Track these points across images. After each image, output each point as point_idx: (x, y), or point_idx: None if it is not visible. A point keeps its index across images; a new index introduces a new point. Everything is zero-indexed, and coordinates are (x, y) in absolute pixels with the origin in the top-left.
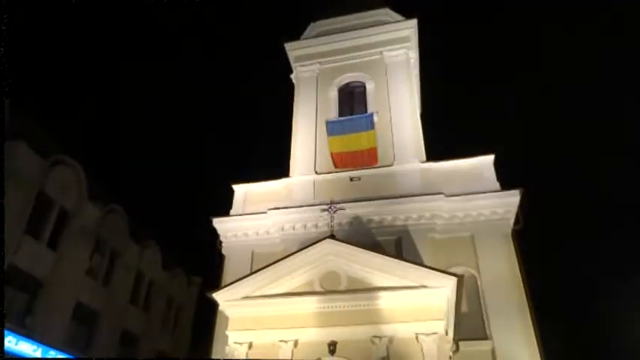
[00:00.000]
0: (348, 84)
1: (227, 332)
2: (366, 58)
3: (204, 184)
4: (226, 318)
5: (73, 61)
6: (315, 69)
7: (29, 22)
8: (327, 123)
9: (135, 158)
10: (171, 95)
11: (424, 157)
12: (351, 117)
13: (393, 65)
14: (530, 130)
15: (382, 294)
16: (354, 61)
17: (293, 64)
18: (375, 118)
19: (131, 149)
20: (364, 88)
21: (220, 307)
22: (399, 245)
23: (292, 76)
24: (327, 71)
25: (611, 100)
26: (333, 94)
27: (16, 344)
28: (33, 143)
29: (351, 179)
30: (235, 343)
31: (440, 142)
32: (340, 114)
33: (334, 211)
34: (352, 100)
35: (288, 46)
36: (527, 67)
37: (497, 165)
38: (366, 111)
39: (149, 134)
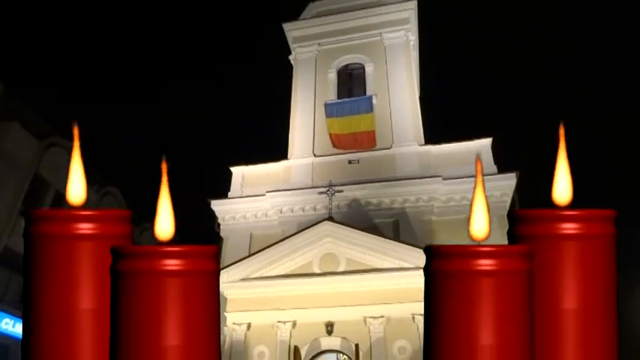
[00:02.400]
0: (347, 66)
1: (225, 313)
2: (365, 40)
3: (202, 166)
4: (224, 299)
5: (68, 42)
6: (313, 50)
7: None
8: (326, 105)
9: (131, 140)
10: (169, 76)
11: (422, 140)
12: (350, 99)
13: (392, 47)
14: (529, 112)
15: (379, 275)
16: (353, 42)
17: (291, 45)
18: (374, 101)
19: (127, 130)
20: (363, 70)
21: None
22: (396, 228)
23: (291, 57)
24: (326, 52)
25: (611, 77)
26: (332, 76)
27: (14, 326)
28: (27, 124)
29: (350, 162)
30: (234, 324)
31: (439, 125)
32: (339, 96)
33: (332, 194)
34: (351, 82)
35: (286, 26)
36: (528, 47)
37: (495, 148)
38: (365, 93)
39: (146, 115)
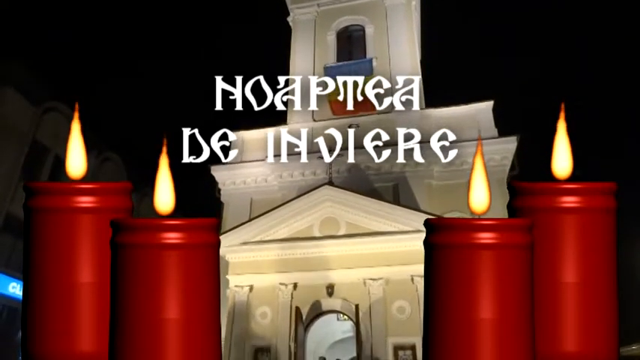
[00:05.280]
0: (346, 28)
1: (228, 276)
2: (366, 0)
3: (201, 132)
4: (226, 263)
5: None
6: (312, 11)
7: None
8: (326, 68)
9: (130, 104)
10: (167, 39)
11: (423, 104)
12: (350, 62)
13: (393, 8)
14: (532, 74)
15: (379, 238)
16: (353, 2)
17: (290, 6)
18: (374, 63)
19: (126, 95)
20: (363, 31)
21: (221, 253)
22: (396, 191)
23: (289, 19)
24: (325, 14)
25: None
26: (332, 39)
27: (20, 290)
28: (22, 90)
29: (350, 126)
30: (236, 286)
31: (440, 88)
32: (339, 59)
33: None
34: (351, 45)
35: None
36: (533, 9)
37: (496, 111)
38: (365, 56)
39: (145, 80)
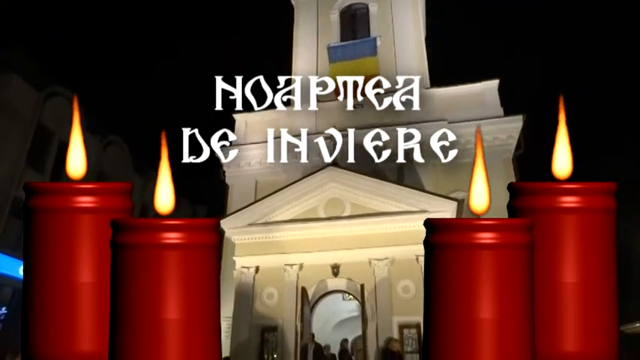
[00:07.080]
0: (349, 6)
1: (234, 258)
2: None
3: (205, 115)
4: (232, 245)
5: None
6: None
7: None
8: (329, 48)
9: (134, 87)
10: (167, 39)
11: (428, 83)
12: (354, 42)
13: None
14: (538, 52)
15: (384, 219)
16: None
17: None
18: (378, 43)
19: (130, 77)
20: (367, 10)
21: (226, 235)
22: (400, 172)
23: None
24: None
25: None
26: (335, 18)
27: None
28: (25, 76)
29: (354, 106)
30: (243, 267)
31: (445, 67)
32: (342, 38)
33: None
34: (355, 24)
35: None
36: None
37: (502, 90)
38: (369, 35)
39: (149, 63)
